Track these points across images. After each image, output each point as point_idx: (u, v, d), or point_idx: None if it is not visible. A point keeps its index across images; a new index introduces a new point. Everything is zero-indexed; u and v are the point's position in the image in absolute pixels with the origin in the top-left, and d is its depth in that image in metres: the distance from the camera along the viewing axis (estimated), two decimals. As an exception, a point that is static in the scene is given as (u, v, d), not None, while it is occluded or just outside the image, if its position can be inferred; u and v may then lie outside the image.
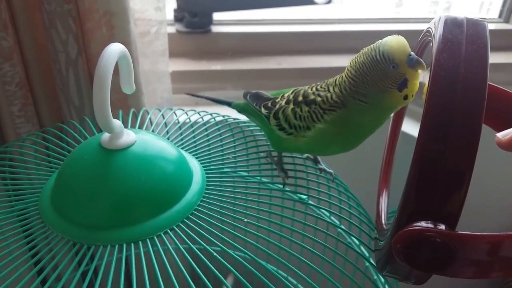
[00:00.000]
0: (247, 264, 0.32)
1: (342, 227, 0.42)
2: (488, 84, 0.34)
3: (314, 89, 0.40)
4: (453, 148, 0.25)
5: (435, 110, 0.26)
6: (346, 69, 0.38)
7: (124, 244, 0.33)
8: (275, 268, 0.35)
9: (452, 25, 0.28)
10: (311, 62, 0.79)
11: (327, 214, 0.48)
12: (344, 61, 0.80)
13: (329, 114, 0.38)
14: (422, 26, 0.91)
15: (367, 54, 0.35)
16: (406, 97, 0.36)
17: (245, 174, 0.45)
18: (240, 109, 0.50)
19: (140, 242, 0.33)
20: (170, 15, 0.75)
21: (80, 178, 0.34)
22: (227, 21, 0.80)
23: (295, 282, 0.52)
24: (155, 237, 0.33)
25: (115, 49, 0.31)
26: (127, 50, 0.32)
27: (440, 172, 0.26)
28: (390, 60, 0.34)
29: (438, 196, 0.26)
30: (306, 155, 0.49)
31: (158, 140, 0.37)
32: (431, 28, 0.32)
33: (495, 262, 0.26)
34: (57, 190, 0.36)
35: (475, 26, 0.28)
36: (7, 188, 0.42)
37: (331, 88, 0.39)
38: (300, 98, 0.41)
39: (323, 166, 0.47)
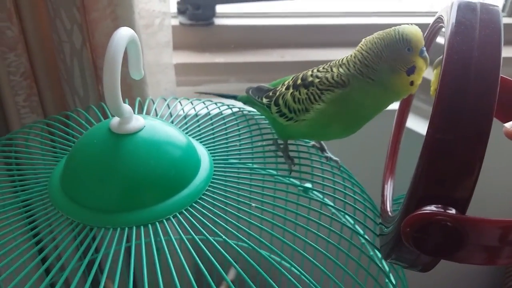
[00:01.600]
0: (259, 248, 0.33)
1: (347, 212, 0.43)
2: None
3: (313, 71, 0.41)
4: (466, 132, 0.25)
5: (448, 93, 0.26)
6: (357, 48, 0.38)
7: (134, 227, 0.33)
8: (278, 259, 0.35)
9: (466, 10, 0.28)
10: (314, 55, 0.79)
11: (331, 203, 0.48)
12: (346, 53, 0.80)
13: (327, 94, 0.38)
14: (424, 20, 0.91)
15: (386, 33, 0.36)
16: (412, 83, 0.36)
17: (250, 161, 0.46)
18: (245, 102, 0.51)
19: (150, 226, 0.33)
20: (173, 7, 0.75)
21: (89, 162, 0.34)
22: (230, 14, 0.80)
23: (298, 273, 0.53)
24: (164, 221, 0.34)
25: (125, 33, 0.31)
26: (136, 35, 0.33)
27: (451, 157, 0.25)
28: (407, 42, 0.35)
29: (449, 181, 0.26)
30: (312, 143, 0.49)
31: (167, 126, 0.38)
32: (442, 15, 0.32)
33: (504, 248, 0.26)
34: (66, 174, 0.36)
35: (488, 11, 0.28)
36: (13, 174, 0.42)
37: (334, 69, 0.39)
38: (299, 82, 0.41)
39: (329, 154, 0.47)
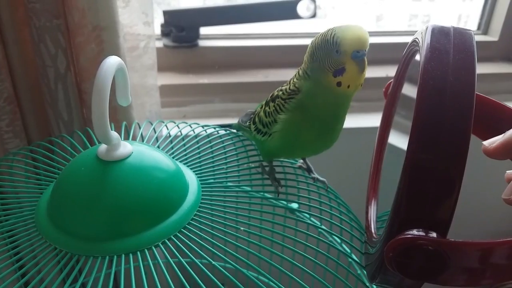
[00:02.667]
0: (246, 271, 0.33)
1: (334, 233, 0.43)
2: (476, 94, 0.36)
3: (280, 87, 0.43)
4: (443, 156, 0.26)
5: (424, 118, 0.26)
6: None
7: (123, 255, 0.33)
8: (266, 280, 0.35)
9: (440, 34, 0.29)
10: (297, 75, 0.81)
11: (318, 223, 0.48)
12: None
13: (289, 103, 0.40)
14: (402, 39, 0.93)
15: (324, 33, 0.38)
16: (339, 84, 0.37)
17: (238, 185, 0.46)
18: (238, 129, 0.53)
19: (139, 253, 0.33)
20: (157, 30, 0.76)
21: (77, 189, 0.34)
22: (214, 36, 0.81)
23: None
24: (153, 247, 0.34)
25: (113, 62, 0.31)
26: (124, 63, 0.33)
27: (430, 180, 0.26)
28: (336, 45, 0.36)
29: (429, 204, 0.26)
30: (299, 164, 0.49)
31: (154, 151, 0.38)
32: (417, 38, 0.33)
33: (486, 269, 0.26)
34: (53, 202, 0.35)
35: (461, 35, 0.29)
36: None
37: (291, 80, 0.42)
38: (269, 98, 0.44)
39: (316, 175, 0.48)
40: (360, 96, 0.84)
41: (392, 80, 0.44)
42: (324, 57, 0.37)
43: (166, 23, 0.77)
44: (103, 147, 0.34)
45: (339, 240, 0.46)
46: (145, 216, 0.34)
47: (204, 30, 0.79)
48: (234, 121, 0.76)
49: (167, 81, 0.75)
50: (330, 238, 0.48)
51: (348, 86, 0.37)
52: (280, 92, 0.42)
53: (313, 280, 0.36)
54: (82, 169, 0.35)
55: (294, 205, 0.49)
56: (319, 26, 0.87)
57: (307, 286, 0.33)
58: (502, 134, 0.29)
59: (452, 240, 0.25)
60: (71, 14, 0.53)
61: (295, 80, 0.41)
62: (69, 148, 0.45)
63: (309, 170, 0.49)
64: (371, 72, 0.85)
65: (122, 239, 0.33)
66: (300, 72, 0.41)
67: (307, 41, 0.86)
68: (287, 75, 0.80)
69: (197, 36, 0.78)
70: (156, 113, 0.68)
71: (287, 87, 0.41)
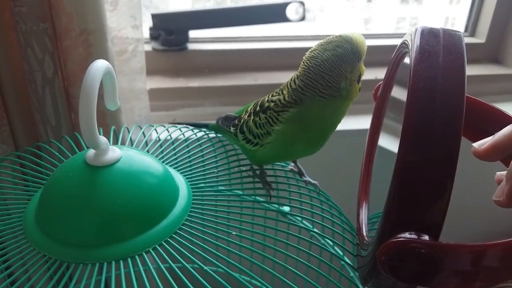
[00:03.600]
0: (239, 275, 0.32)
1: (326, 236, 0.43)
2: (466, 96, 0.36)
3: (269, 96, 0.43)
4: (434, 158, 0.25)
5: (414, 121, 0.26)
6: (302, 68, 0.39)
7: (113, 262, 0.32)
8: (259, 284, 0.35)
9: (429, 36, 0.29)
10: (287, 78, 0.80)
11: (310, 226, 0.48)
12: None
13: (283, 115, 0.40)
14: (391, 42, 0.93)
15: (339, 47, 0.37)
16: (360, 89, 0.39)
17: (229, 189, 0.46)
18: (216, 130, 0.52)
19: (129, 259, 0.33)
20: (146, 33, 0.76)
21: (65, 196, 0.34)
22: (203, 39, 0.81)
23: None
24: (144, 253, 0.33)
25: (101, 65, 0.31)
26: (112, 67, 0.33)
27: (421, 183, 0.26)
28: (359, 54, 0.37)
29: (420, 207, 0.26)
30: (290, 167, 0.49)
31: (143, 156, 0.37)
32: (407, 40, 0.33)
33: (478, 272, 0.26)
34: (41, 209, 0.35)
35: (451, 37, 0.29)
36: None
37: (284, 91, 0.41)
38: (258, 108, 0.43)
39: (307, 178, 0.48)
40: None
41: (381, 82, 0.44)
42: (351, 70, 0.37)
43: (155, 27, 0.76)
44: (91, 152, 0.34)
45: (331, 243, 0.46)
46: (136, 221, 0.34)
47: (193, 33, 0.79)
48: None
49: (156, 85, 0.74)
50: (323, 241, 0.48)
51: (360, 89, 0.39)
52: (272, 104, 0.41)
53: (306, 283, 0.35)
54: (70, 175, 0.34)
55: (286, 208, 0.49)
56: (308, 29, 0.87)
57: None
58: (492, 136, 0.29)
59: (445, 242, 0.25)
60: (58, 18, 0.52)
61: (290, 91, 0.40)
62: (57, 153, 0.45)
63: (300, 173, 0.49)
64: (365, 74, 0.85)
65: (112, 246, 0.33)
66: (297, 84, 0.39)
67: (296, 44, 0.86)
68: (277, 78, 0.81)
69: (186, 39, 0.78)
70: (145, 117, 0.67)
71: (280, 97, 0.40)
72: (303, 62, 0.39)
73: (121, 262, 0.32)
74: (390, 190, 0.27)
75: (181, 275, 0.32)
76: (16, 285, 0.31)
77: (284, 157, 0.46)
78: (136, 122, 0.65)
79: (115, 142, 0.47)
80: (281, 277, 0.33)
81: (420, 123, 0.26)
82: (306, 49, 0.88)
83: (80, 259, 0.32)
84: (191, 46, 0.78)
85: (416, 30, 0.30)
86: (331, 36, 0.39)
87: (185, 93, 0.75)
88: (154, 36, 0.77)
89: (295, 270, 0.35)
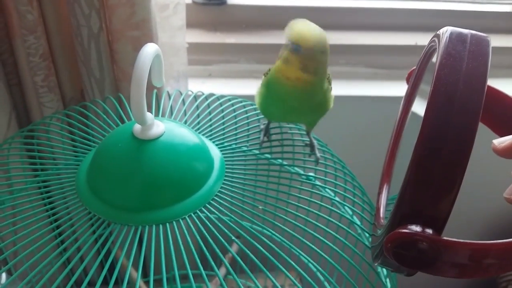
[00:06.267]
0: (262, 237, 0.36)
1: (347, 209, 0.46)
2: (492, 88, 0.37)
3: None
4: (445, 160, 0.27)
5: (431, 123, 0.28)
6: None
7: (154, 226, 0.36)
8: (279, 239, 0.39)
9: (456, 40, 0.30)
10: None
11: (332, 194, 0.51)
12: (356, 38, 0.81)
13: (263, 77, 0.47)
14: (431, 5, 0.88)
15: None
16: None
17: (258, 152, 0.49)
18: None
19: (167, 224, 0.37)
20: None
21: (114, 164, 0.37)
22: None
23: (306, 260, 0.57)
24: (180, 220, 0.37)
25: (151, 50, 0.33)
26: (160, 51, 0.35)
27: (431, 181, 0.28)
28: (291, 43, 0.44)
29: (428, 202, 0.28)
30: (305, 142, 0.51)
31: (184, 130, 0.40)
32: (436, 39, 0.33)
33: (476, 266, 0.29)
34: (92, 172, 0.39)
35: (478, 42, 0.30)
36: (37, 168, 0.45)
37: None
38: None
39: (318, 154, 0.50)
40: (386, 62, 0.84)
41: (414, 67, 0.44)
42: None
43: (196, -21, 0.76)
44: (138, 126, 0.37)
45: (350, 212, 0.49)
46: (174, 191, 0.38)
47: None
48: (258, 82, 0.77)
49: (194, 39, 0.75)
50: (343, 209, 0.51)
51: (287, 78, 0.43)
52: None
53: (323, 245, 0.39)
54: (119, 145, 0.38)
55: (311, 174, 0.52)
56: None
57: (317, 249, 0.37)
58: None
59: (445, 238, 0.28)
60: (105, -24, 0.54)
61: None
62: (102, 114, 0.48)
63: (312, 147, 0.51)
64: (399, 39, 0.84)
65: (152, 211, 0.37)
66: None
67: (337, 3, 0.84)
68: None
69: (226, -7, 0.78)
70: (183, 73, 0.69)
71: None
72: None
73: (160, 226, 0.37)
74: (403, 183, 0.29)
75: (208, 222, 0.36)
76: (62, 237, 0.35)
77: (270, 115, 0.50)
78: (174, 78, 0.68)
79: (157, 107, 0.50)
80: (301, 238, 0.37)
81: (436, 126, 0.28)
82: (348, 8, 0.86)
83: (124, 220, 0.37)
84: (231, 1, 0.78)
85: (445, 32, 0.31)
86: None
87: (222, 48, 0.76)
88: (195, -12, 0.77)
89: (313, 233, 0.39)
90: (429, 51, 0.39)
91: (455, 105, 0.28)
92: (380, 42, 0.82)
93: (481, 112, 0.37)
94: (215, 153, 0.43)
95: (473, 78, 0.28)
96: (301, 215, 0.41)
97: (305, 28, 0.41)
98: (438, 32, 0.34)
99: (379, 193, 0.46)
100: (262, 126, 0.53)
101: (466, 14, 0.85)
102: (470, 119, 0.27)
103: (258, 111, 0.54)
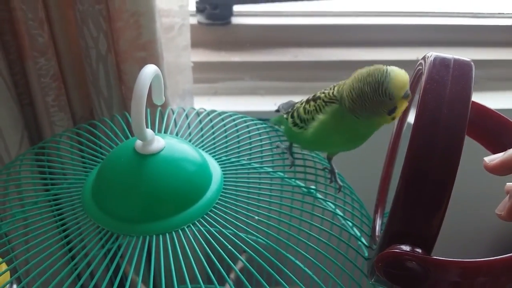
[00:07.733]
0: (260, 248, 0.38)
1: (347, 218, 0.47)
2: (484, 106, 0.38)
3: (324, 90, 0.47)
4: (432, 181, 0.28)
5: (417, 146, 0.29)
6: (349, 82, 0.42)
7: (154, 236, 0.38)
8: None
9: (440, 66, 0.31)
10: (327, 55, 0.82)
11: (333, 206, 0.52)
12: (359, 54, 0.83)
13: (329, 106, 0.44)
14: (436, 21, 0.90)
15: (371, 84, 0.39)
16: (393, 118, 0.42)
17: (260, 166, 0.50)
18: (275, 123, 0.58)
19: (167, 234, 0.38)
20: (192, 6, 0.79)
21: (117, 177, 0.39)
22: (246, 13, 0.83)
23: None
24: (179, 230, 0.39)
25: (150, 71, 0.35)
26: (160, 71, 0.37)
27: (418, 202, 0.29)
28: (390, 96, 0.39)
29: (416, 221, 0.29)
30: (324, 167, 0.53)
31: (183, 144, 0.42)
32: (423, 62, 0.35)
33: (470, 284, 0.29)
34: (97, 186, 0.41)
35: (461, 67, 0.31)
36: (47, 183, 0.47)
37: (336, 87, 0.45)
38: (310, 98, 0.48)
39: (339, 182, 0.51)
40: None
41: None
42: (377, 106, 0.40)
43: (201, 0, 0.79)
44: (139, 142, 0.39)
45: (350, 224, 0.50)
46: (174, 202, 0.39)
47: (237, 8, 0.81)
48: (263, 99, 0.79)
49: (200, 58, 0.78)
50: (343, 222, 0.52)
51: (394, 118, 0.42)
52: (323, 95, 0.45)
53: (325, 259, 0.40)
54: (122, 160, 0.40)
55: (312, 187, 0.53)
56: (352, 5, 0.87)
57: (319, 264, 0.38)
58: (504, 152, 0.31)
59: (435, 258, 0.29)
60: (112, 0, 0.57)
61: (340, 89, 0.43)
62: (109, 132, 0.51)
63: (332, 173, 0.52)
64: (402, 54, 0.85)
65: (154, 222, 0.39)
66: (345, 89, 0.42)
67: (339, 20, 0.86)
68: (317, 54, 0.83)
69: (230, 13, 0.80)
70: (188, 91, 0.72)
71: (330, 91, 0.45)
72: (354, 77, 0.42)
73: (161, 236, 0.38)
74: (392, 204, 0.30)
75: (207, 249, 0.37)
76: (73, 252, 0.37)
77: (321, 144, 0.50)
78: (179, 96, 0.70)
79: (161, 123, 0.52)
80: (305, 253, 0.38)
81: (421, 149, 0.29)
82: (349, 26, 0.88)
83: (128, 231, 0.38)
84: (235, 20, 0.81)
85: (429, 57, 0.32)
86: (373, 68, 0.41)
87: (227, 67, 0.79)
88: (199, 9, 0.80)
89: (316, 247, 0.40)
90: (417, 74, 0.41)
91: (440, 128, 0.29)
92: (382, 58, 0.83)
93: (476, 131, 0.38)
94: (214, 166, 0.45)
95: (456, 102, 0.29)
96: (304, 229, 0.41)
97: (403, 77, 0.40)
98: (425, 55, 0.36)
99: (375, 211, 0.47)
100: (282, 146, 0.53)
101: (467, 28, 0.87)
102: (454, 141, 0.29)
103: (258, 126, 0.56)
